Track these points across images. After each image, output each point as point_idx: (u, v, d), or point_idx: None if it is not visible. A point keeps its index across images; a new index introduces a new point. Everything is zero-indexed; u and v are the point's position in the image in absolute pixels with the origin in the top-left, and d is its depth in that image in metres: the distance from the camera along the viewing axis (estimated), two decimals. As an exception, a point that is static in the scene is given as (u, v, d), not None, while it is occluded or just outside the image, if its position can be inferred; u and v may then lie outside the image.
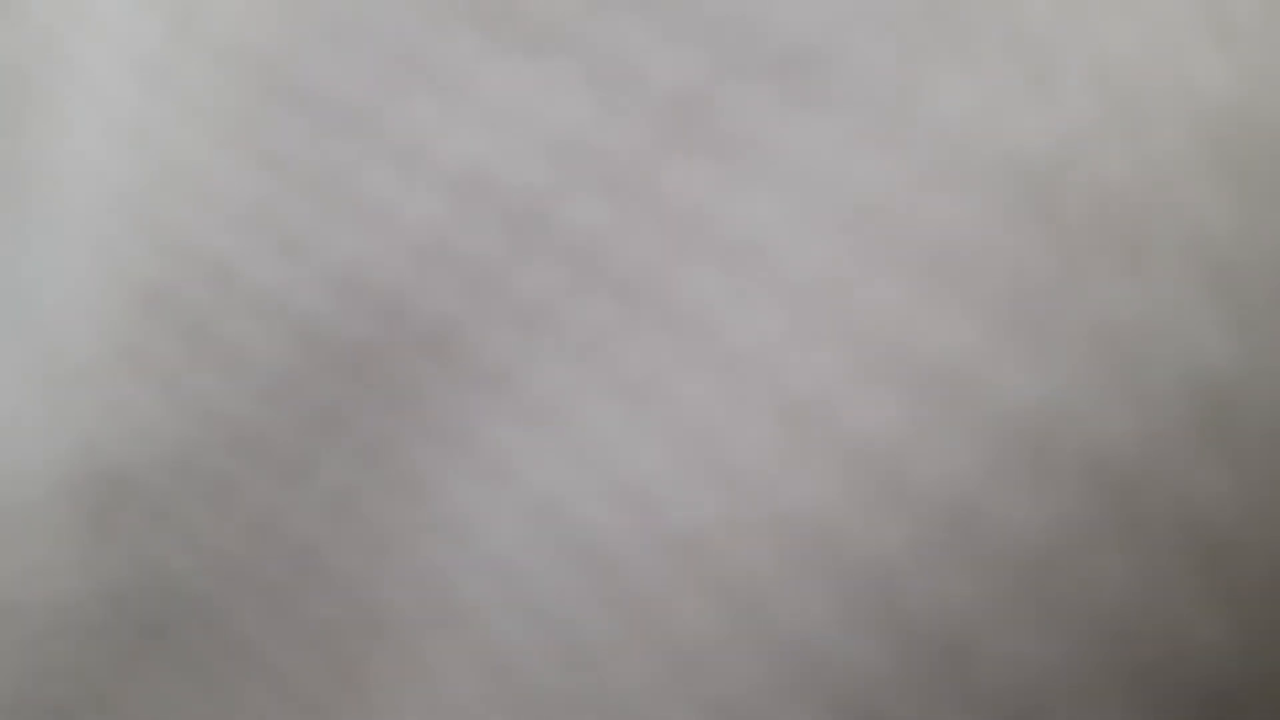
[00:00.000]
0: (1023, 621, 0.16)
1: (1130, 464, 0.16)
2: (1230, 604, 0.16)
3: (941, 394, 0.16)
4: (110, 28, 0.20)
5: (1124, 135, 0.16)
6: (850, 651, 0.16)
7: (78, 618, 0.20)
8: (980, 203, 0.16)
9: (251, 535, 0.19)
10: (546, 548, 0.17)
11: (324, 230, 0.18)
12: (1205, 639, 0.16)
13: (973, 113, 0.16)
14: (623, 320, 0.17)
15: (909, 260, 0.16)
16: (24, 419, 0.20)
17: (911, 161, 0.17)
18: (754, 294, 0.17)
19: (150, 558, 0.19)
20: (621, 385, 0.17)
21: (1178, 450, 0.16)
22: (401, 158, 0.18)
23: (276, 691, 0.19)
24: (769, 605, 0.16)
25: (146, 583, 0.19)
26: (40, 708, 0.20)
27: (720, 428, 0.17)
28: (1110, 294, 0.16)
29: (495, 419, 0.18)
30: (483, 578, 0.18)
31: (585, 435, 0.17)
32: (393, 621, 0.18)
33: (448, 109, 0.18)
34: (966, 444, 0.16)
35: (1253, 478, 0.16)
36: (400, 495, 0.18)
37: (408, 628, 0.18)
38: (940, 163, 0.16)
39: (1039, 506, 0.16)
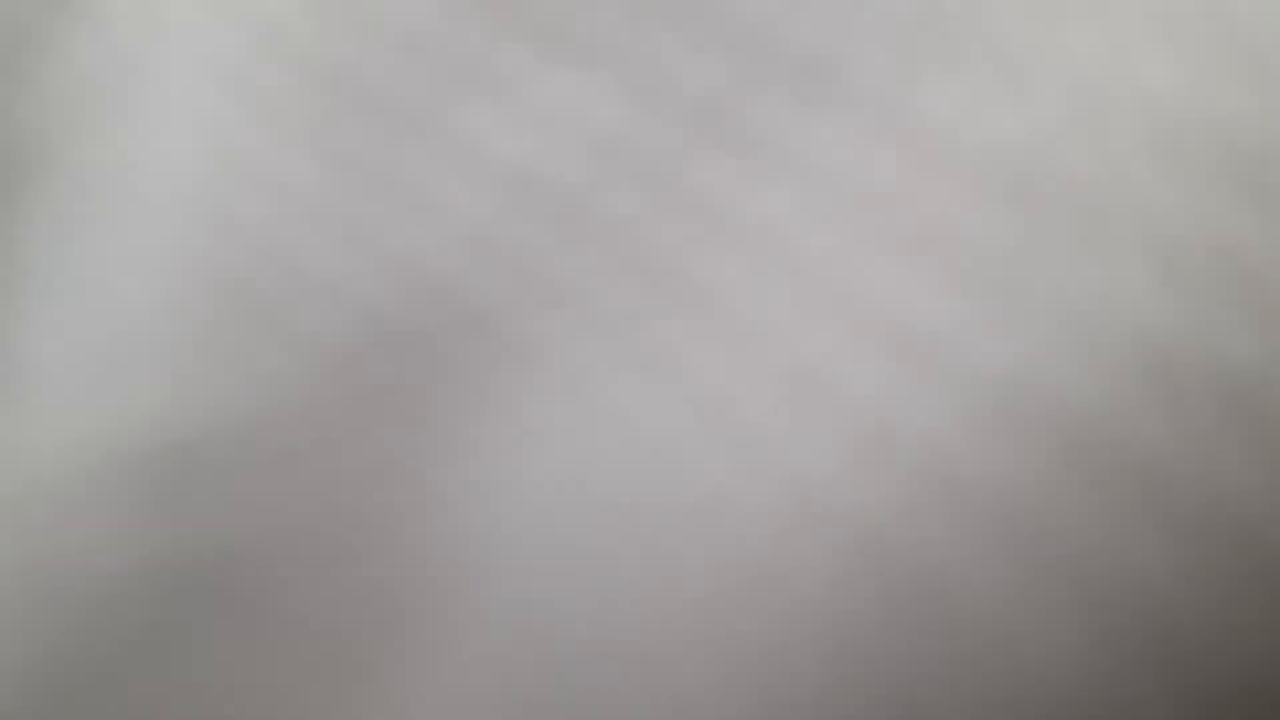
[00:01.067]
0: (997, 564, 0.16)
1: (1088, 420, 0.16)
2: (1182, 540, 0.16)
3: (927, 360, 0.17)
4: (191, 41, 0.21)
5: (1088, 132, 0.17)
6: (842, 600, 0.17)
7: (140, 584, 0.19)
8: (962, 191, 0.17)
9: (309, 503, 0.19)
10: (582, 506, 0.18)
11: (385, 223, 0.19)
12: (1163, 578, 0.16)
13: (957, 112, 0.17)
14: (652, 300, 0.18)
15: (901, 242, 0.17)
16: (97, 393, 0.20)
17: (904, 155, 0.17)
18: (766, 274, 0.18)
19: (212, 526, 0.19)
20: (649, 358, 0.18)
21: (1131, 405, 0.16)
22: (458, 157, 0.19)
23: (330, 654, 0.19)
24: (775, 555, 0.17)
25: (208, 550, 0.19)
26: (99, 673, 0.19)
27: (735, 393, 0.18)
28: (1073, 271, 0.17)
29: (536, 390, 0.18)
30: (523, 536, 0.18)
31: (616, 403, 0.18)
32: (438, 581, 0.18)
33: (500, 113, 0.19)
34: (947, 404, 0.17)
35: (1191, 424, 0.16)
36: (448, 463, 0.19)
37: (452, 587, 0.18)
38: (928, 156, 0.17)
39: (1010, 460, 0.16)
